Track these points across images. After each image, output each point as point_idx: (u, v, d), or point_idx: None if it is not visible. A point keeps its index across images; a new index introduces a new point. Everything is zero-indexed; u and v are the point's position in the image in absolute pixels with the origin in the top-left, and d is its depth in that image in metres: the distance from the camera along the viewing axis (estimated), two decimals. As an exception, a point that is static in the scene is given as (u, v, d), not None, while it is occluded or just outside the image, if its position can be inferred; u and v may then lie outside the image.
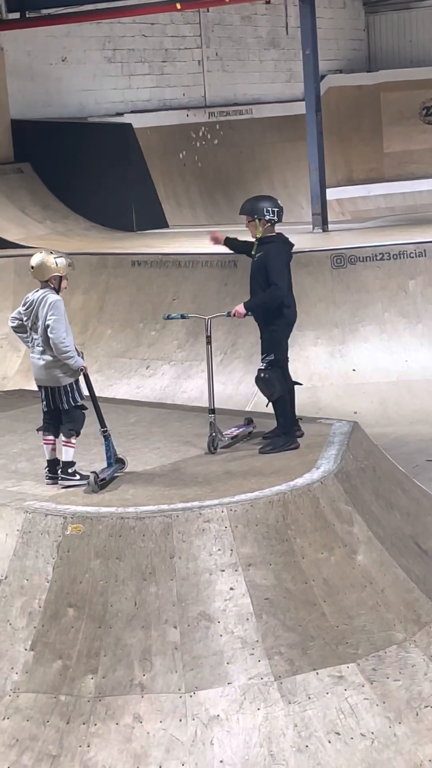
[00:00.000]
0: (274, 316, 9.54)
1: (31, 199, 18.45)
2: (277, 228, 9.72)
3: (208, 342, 9.77)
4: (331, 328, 14.21)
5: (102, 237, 17.80)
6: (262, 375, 9.60)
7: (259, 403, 12.64)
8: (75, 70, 19.98)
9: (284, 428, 9.67)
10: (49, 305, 8.84)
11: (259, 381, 9.65)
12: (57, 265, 8.94)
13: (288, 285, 9.62)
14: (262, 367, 9.59)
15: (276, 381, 9.60)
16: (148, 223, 18.84)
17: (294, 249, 9.86)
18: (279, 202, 9.77)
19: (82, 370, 8.93)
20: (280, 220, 9.64)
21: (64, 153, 18.75)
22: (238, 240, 9.99)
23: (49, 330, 8.79)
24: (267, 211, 9.58)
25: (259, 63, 23.16)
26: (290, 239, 9.81)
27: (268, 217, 9.58)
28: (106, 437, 9.04)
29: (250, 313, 9.52)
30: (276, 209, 9.61)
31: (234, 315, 9.59)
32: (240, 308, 9.55)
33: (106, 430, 9.04)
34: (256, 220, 9.58)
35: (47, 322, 8.80)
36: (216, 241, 10.03)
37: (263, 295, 9.52)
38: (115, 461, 9.09)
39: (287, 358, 9.82)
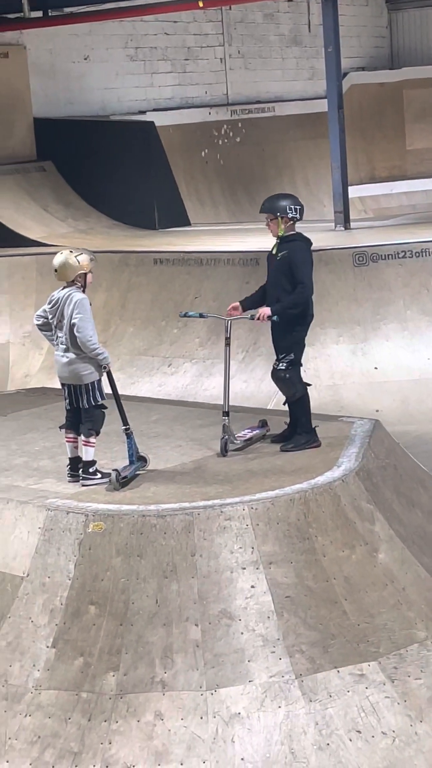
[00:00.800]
0: (297, 316, 9.52)
1: (54, 197, 18.48)
2: (299, 226, 9.71)
3: (227, 344, 9.74)
4: (352, 326, 14.19)
5: (124, 235, 17.82)
6: (283, 375, 9.58)
7: (280, 401, 12.64)
8: (97, 69, 20.00)
9: (305, 427, 9.66)
10: (74, 304, 8.86)
11: (280, 380, 9.63)
12: (79, 262, 8.96)
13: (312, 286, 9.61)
14: (282, 367, 9.57)
15: (297, 380, 9.60)
16: (170, 221, 18.85)
17: (316, 247, 9.85)
18: (300, 200, 9.76)
19: (105, 367, 8.96)
20: (301, 219, 9.62)
21: (86, 151, 18.78)
22: (249, 296, 9.92)
23: (75, 329, 8.81)
24: (289, 209, 9.55)
25: (281, 61, 23.14)
26: (311, 237, 9.80)
27: (290, 215, 9.55)
28: (129, 435, 9.06)
29: (276, 318, 9.45)
30: (297, 207, 9.59)
31: (258, 319, 9.52)
32: (266, 311, 9.45)
33: (129, 428, 9.06)
34: (278, 219, 9.56)
35: (73, 321, 8.83)
36: (235, 310, 9.88)
37: (292, 298, 9.44)
38: (137, 459, 9.11)
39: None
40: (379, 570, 8.34)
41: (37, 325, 9.18)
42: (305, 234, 9.77)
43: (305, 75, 23.43)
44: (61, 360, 8.99)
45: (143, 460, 9.16)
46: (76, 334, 8.80)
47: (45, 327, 9.12)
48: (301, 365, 9.64)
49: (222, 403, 9.65)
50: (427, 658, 7.99)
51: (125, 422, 9.06)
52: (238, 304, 9.79)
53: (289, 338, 9.55)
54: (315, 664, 7.75)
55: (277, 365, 9.61)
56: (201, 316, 10.51)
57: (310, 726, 7.54)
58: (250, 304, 9.83)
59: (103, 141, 18.95)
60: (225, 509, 8.16)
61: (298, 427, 9.67)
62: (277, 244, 9.61)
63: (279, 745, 7.48)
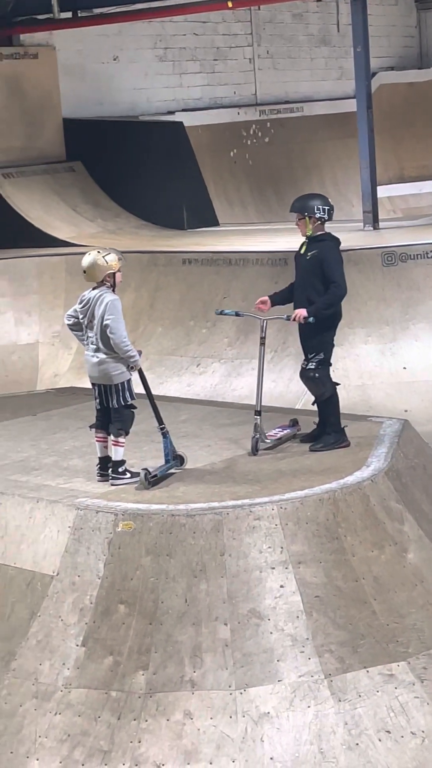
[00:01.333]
0: (328, 316, 9.52)
1: (83, 197, 18.52)
2: (328, 225, 9.70)
3: (262, 343, 9.76)
4: (381, 326, 14.17)
5: (152, 235, 17.85)
6: (312, 374, 9.58)
7: (309, 401, 12.63)
8: (126, 69, 20.03)
9: (334, 426, 9.66)
10: (105, 305, 8.87)
11: (309, 380, 9.64)
12: (108, 262, 8.97)
13: None
14: (311, 367, 9.57)
15: (327, 380, 9.60)
16: (198, 221, 18.85)
17: (344, 247, 9.85)
18: (330, 200, 9.76)
19: (134, 368, 8.98)
20: (330, 219, 9.62)
21: (115, 151, 18.80)
22: (279, 292, 9.94)
23: (109, 331, 8.82)
24: (317, 209, 9.56)
25: (310, 61, 23.11)
26: (339, 237, 9.79)
27: (318, 215, 9.56)
28: (165, 434, 9.08)
29: (312, 319, 9.44)
30: (326, 207, 9.59)
31: (294, 320, 9.52)
32: (302, 312, 9.44)
33: (164, 427, 9.08)
34: (306, 218, 9.57)
35: (106, 323, 8.84)
36: (264, 304, 9.89)
37: (326, 298, 9.43)
38: (173, 458, 9.13)
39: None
40: (408, 570, 8.34)
41: (68, 324, 9.21)
42: (335, 233, 9.78)
43: (334, 75, 23.40)
44: (92, 360, 9.01)
45: (180, 459, 9.18)
46: (110, 335, 8.82)
47: (76, 327, 9.15)
48: (330, 365, 9.64)
49: (254, 402, 9.66)
50: (456, 659, 7.98)
51: (160, 421, 9.09)
52: (267, 298, 9.81)
53: (318, 338, 9.55)
54: (344, 663, 7.75)
55: (306, 365, 9.61)
56: (237, 314, 10.52)
57: (339, 726, 7.54)
58: (279, 299, 9.85)
59: (132, 141, 18.97)
60: (254, 509, 8.17)
61: (327, 426, 9.67)
62: (305, 244, 9.62)
63: (308, 745, 7.48)
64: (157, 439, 9.24)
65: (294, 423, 9.98)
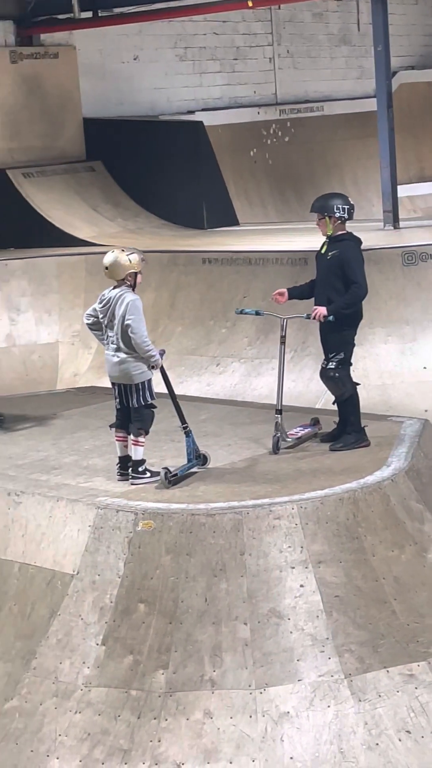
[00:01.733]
0: (348, 315, 9.51)
1: (103, 197, 18.52)
2: (349, 223, 9.69)
3: (282, 342, 9.77)
4: (401, 326, 14.13)
5: (172, 235, 17.84)
6: (332, 374, 9.57)
7: (329, 400, 12.61)
8: (147, 69, 20.02)
9: (354, 426, 9.65)
10: (126, 305, 8.87)
11: (330, 380, 9.63)
12: (131, 261, 8.97)
13: None
14: (332, 366, 9.56)
15: (347, 379, 9.59)
16: (218, 221, 18.83)
17: (365, 246, 9.83)
18: (350, 199, 9.74)
19: (155, 367, 8.97)
20: (351, 218, 9.61)
21: (135, 151, 18.80)
22: (298, 286, 9.95)
23: (130, 330, 8.82)
24: (336, 208, 9.54)
25: (330, 60, 23.06)
26: (360, 236, 9.78)
27: (338, 215, 9.54)
28: (187, 434, 9.08)
29: (332, 318, 9.43)
30: (347, 206, 9.58)
31: (314, 318, 9.51)
32: (322, 310, 9.44)
33: (187, 426, 9.08)
34: (326, 218, 9.56)
35: (127, 322, 8.83)
36: (281, 296, 9.90)
37: (347, 297, 9.44)
38: (196, 457, 9.13)
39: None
40: (428, 570, 8.32)
41: (87, 324, 9.21)
42: (356, 233, 9.76)
43: (354, 74, 23.35)
44: (112, 359, 9.01)
45: (203, 458, 9.18)
46: (131, 335, 8.82)
47: (95, 326, 9.15)
48: (350, 364, 9.63)
49: (275, 401, 9.67)
50: None
51: (183, 420, 9.08)
52: (284, 290, 9.82)
53: (339, 338, 9.54)
54: (364, 663, 7.74)
55: (326, 364, 9.60)
56: (257, 313, 10.52)
57: (360, 726, 7.53)
58: (297, 293, 9.86)
59: (152, 141, 18.97)
60: (274, 508, 8.17)
61: (348, 426, 9.66)
62: (326, 244, 9.61)
63: (328, 745, 7.48)
64: (177, 438, 9.25)
65: (315, 422, 9.97)
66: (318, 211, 9.61)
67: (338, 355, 9.55)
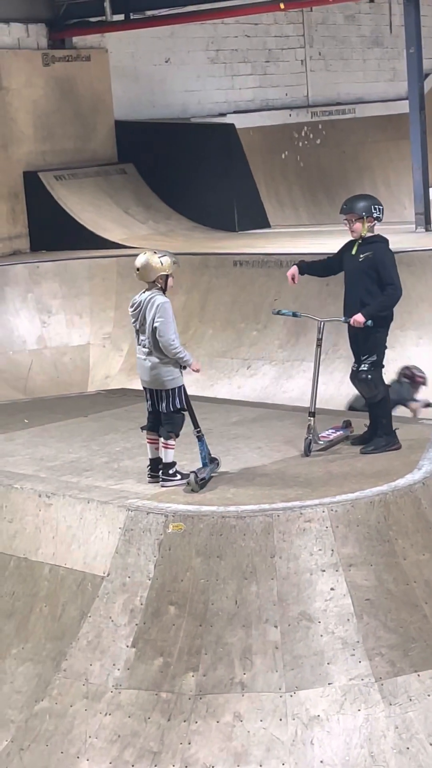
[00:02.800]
0: (380, 318, 9.47)
1: (134, 199, 18.57)
2: (380, 225, 9.66)
3: (319, 345, 9.73)
4: (433, 328, 14.11)
5: (204, 237, 17.86)
6: (364, 376, 9.54)
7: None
8: (178, 71, 20.07)
9: (386, 429, 9.62)
10: (156, 307, 8.85)
11: (361, 382, 9.59)
12: (162, 264, 8.94)
13: None
14: (364, 368, 9.53)
15: (379, 382, 9.56)
16: (250, 223, 18.85)
17: (396, 248, 9.81)
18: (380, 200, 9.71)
19: (190, 368, 8.93)
20: (382, 219, 9.59)
21: (167, 153, 18.84)
22: (311, 262, 9.92)
23: (157, 333, 8.81)
24: (374, 209, 9.50)
25: (362, 62, 23.05)
26: (391, 239, 9.74)
27: (375, 215, 9.51)
28: (200, 438, 9.05)
29: (370, 322, 9.40)
30: (381, 207, 9.56)
31: (353, 323, 9.47)
32: (359, 317, 9.41)
33: (200, 431, 9.05)
34: (363, 219, 9.50)
35: (155, 325, 8.82)
36: (293, 277, 9.90)
37: (383, 300, 9.38)
38: (210, 461, 9.11)
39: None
40: (460, 574, 8.29)
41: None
42: (387, 235, 9.74)
43: (386, 76, 23.32)
44: (144, 364, 9.00)
45: (215, 461, 9.16)
46: (158, 337, 8.80)
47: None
48: (383, 366, 9.60)
49: (306, 403, 9.64)
50: None
51: (196, 425, 9.05)
52: (296, 267, 9.82)
53: (371, 340, 9.50)
54: (395, 667, 7.72)
55: (358, 367, 9.57)
56: (294, 315, 10.47)
57: (390, 730, 7.51)
58: (308, 269, 9.86)
59: (183, 143, 19.01)
60: (305, 511, 8.15)
61: (379, 429, 9.63)
62: (358, 245, 9.56)
63: (358, 749, 7.45)
64: (209, 441, 9.22)
65: (347, 425, 9.95)
66: (352, 212, 9.54)
67: (370, 357, 9.50)
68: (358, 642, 7.76)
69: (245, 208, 18.99)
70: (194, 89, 20.32)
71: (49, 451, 10.29)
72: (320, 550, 8.01)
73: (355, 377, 9.62)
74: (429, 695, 7.67)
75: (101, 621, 8.16)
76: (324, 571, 7.95)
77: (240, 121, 19.67)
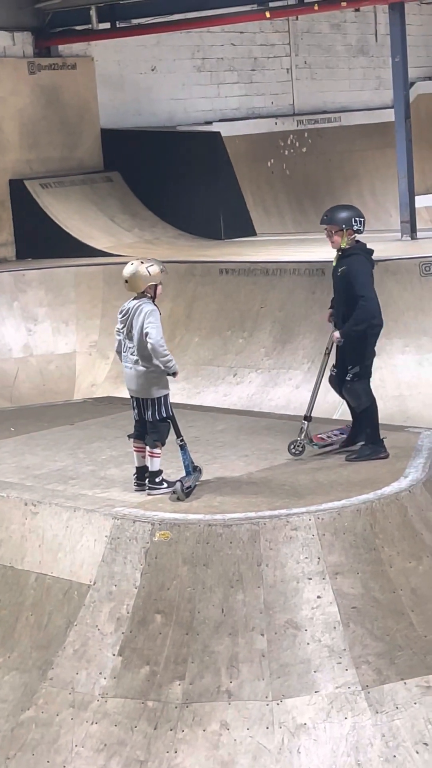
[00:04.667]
0: (363, 330, 9.45)
1: (120, 207, 18.56)
2: (367, 234, 9.64)
3: (327, 353, 9.73)
4: (419, 336, 14.12)
5: (190, 245, 17.87)
6: (348, 386, 9.56)
7: (346, 411, 12.59)
8: (164, 80, 20.08)
9: (371, 438, 9.63)
10: (145, 314, 8.82)
11: (346, 391, 9.62)
12: (150, 273, 8.89)
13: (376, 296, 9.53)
14: (348, 378, 9.55)
15: (362, 392, 9.56)
16: (235, 232, 18.85)
17: (382, 256, 9.80)
18: (361, 212, 9.66)
19: (173, 374, 8.93)
20: (363, 231, 9.54)
21: (153, 162, 18.84)
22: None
23: (148, 337, 8.78)
24: (354, 221, 9.42)
25: (348, 71, 23.09)
26: (377, 247, 9.73)
27: (355, 227, 9.45)
28: (183, 447, 9.04)
29: (343, 341, 9.43)
30: (361, 219, 9.48)
31: (333, 339, 9.52)
32: (336, 335, 9.43)
33: (183, 440, 9.04)
34: (343, 231, 9.45)
35: (145, 330, 8.79)
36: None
37: (355, 315, 9.33)
38: (193, 469, 9.10)
39: (371, 370, 9.72)
40: (446, 581, 8.29)
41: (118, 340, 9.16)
42: (373, 243, 9.73)
43: (372, 85, 23.37)
44: (130, 372, 8.98)
45: (197, 470, 9.16)
46: (148, 341, 8.77)
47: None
48: (370, 376, 9.60)
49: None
50: None
51: (178, 434, 9.03)
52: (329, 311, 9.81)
53: (356, 351, 9.50)
54: (382, 675, 7.72)
55: (337, 372, 9.61)
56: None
57: (377, 738, 7.51)
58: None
59: (169, 151, 19.01)
60: (291, 519, 8.15)
61: (365, 438, 9.64)
62: (338, 258, 9.52)
63: (345, 757, 7.45)
64: (194, 449, 9.22)
65: (349, 427, 9.92)
66: (332, 224, 9.47)
67: (354, 368, 9.50)
68: (344, 650, 7.76)
69: (231, 217, 18.99)
70: (180, 97, 20.33)
71: (35, 459, 10.28)
72: (307, 558, 8.01)
73: (332, 381, 9.68)
74: (415, 703, 7.67)
75: (87, 629, 8.15)
76: (310, 579, 7.96)
77: (226, 130, 19.68)
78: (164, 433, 9.01)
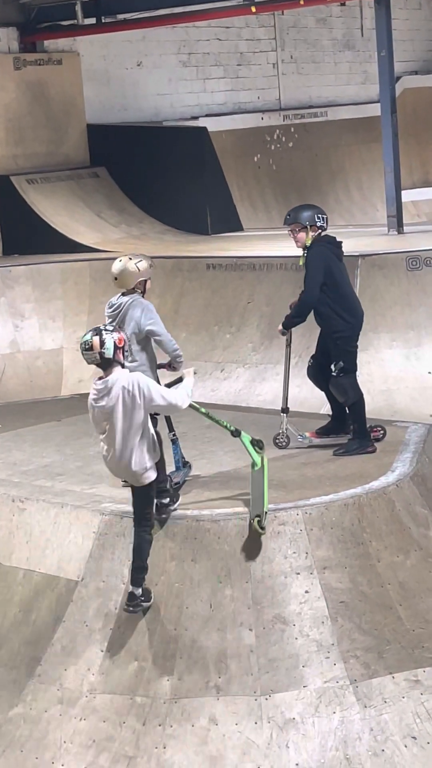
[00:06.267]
0: (333, 323, 9.52)
1: (107, 203, 18.52)
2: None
3: (288, 345, 9.89)
4: (406, 331, 14.12)
5: (177, 240, 17.84)
6: (334, 381, 9.61)
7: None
8: (150, 75, 20.04)
9: (358, 433, 9.65)
10: (142, 310, 8.76)
11: (332, 386, 9.67)
12: (139, 269, 8.85)
13: (344, 289, 9.60)
14: (334, 374, 9.60)
15: (349, 386, 9.59)
16: (222, 227, 18.82)
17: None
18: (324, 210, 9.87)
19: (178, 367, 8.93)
20: (326, 228, 9.69)
21: (139, 157, 18.81)
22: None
23: (153, 335, 8.72)
24: (317, 218, 9.65)
25: (334, 65, 23.06)
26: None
27: (319, 224, 9.62)
28: (174, 442, 9.03)
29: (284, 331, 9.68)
30: (324, 216, 9.69)
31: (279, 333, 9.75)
32: (280, 327, 9.68)
33: (175, 434, 9.04)
34: (307, 228, 9.59)
35: (148, 327, 8.73)
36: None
37: (294, 308, 9.59)
38: (183, 465, 9.09)
39: (356, 364, 9.76)
40: (434, 575, 8.30)
41: None
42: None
43: (358, 79, 23.34)
44: None
45: (187, 465, 9.15)
46: (155, 339, 8.72)
47: None
48: (355, 370, 9.62)
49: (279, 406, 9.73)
50: None
51: (171, 428, 9.03)
52: None
53: (335, 346, 9.56)
54: (370, 669, 7.73)
55: (312, 363, 9.72)
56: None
57: (365, 732, 7.51)
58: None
59: (155, 147, 18.97)
60: (279, 514, 8.15)
61: (352, 433, 9.66)
62: (303, 255, 9.66)
63: (334, 751, 7.46)
64: (183, 445, 9.21)
65: (373, 429, 9.93)
66: (299, 222, 9.61)
67: (338, 363, 9.57)
68: (332, 644, 7.76)
69: (218, 212, 18.97)
70: (166, 93, 20.30)
71: (22, 455, 10.26)
72: (294, 553, 8.01)
73: (309, 373, 9.77)
74: (404, 697, 7.68)
75: (75, 626, 8.14)
76: (298, 573, 7.96)
77: (212, 125, 19.65)
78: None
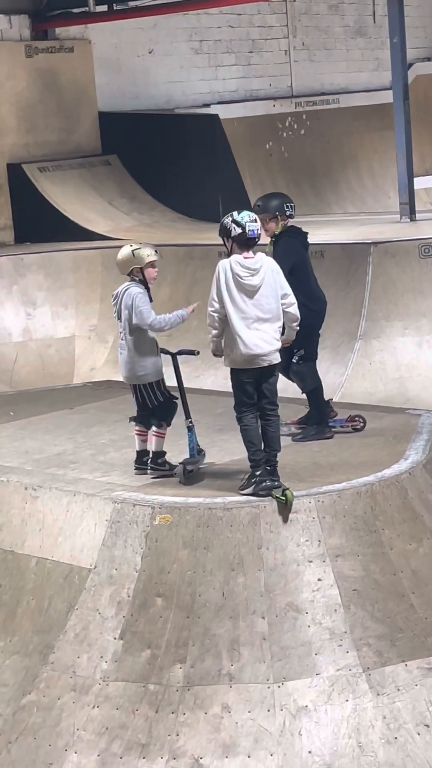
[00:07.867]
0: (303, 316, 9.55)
1: (119, 191, 18.52)
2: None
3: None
4: (418, 318, 14.09)
5: (188, 228, 17.83)
6: (295, 368, 9.72)
7: (346, 394, 12.59)
8: (162, 62, 20.01)
9: (316, 419, 9.76)
10: (133, 297, 8.85)
11: (292, 374, 9.77)
12: (134, 256, 8.94)
13: (307, 278, 9.62)
14: (294, 360, 9.69)
15: (308, 373, 9.73)
16: (234, 214, 18.82)
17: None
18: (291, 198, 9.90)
19: (186, 314, 8.97)
20: (293, 216, 9.74)
21: (151, 145, 18.79)
22: None
23: (139, 320, 8.79)
24: (287, 207, 9.73)
25: (346, 52, 23.01)
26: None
27: (288, 212, 9.69)
28: (190, 428, 9.04)
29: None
30: (292, 204, 9.74)
31: None
32: None
33: (191, 421, 9.05)
34: (277, 217, 9.64)
35: (134, 322, 8.82)
36: None
37: None
38: (197, 452, 9.10)
39: (317, 352, 9.89)
40: (446, 563, 8.30)
41: None
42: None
43: (370, 66, 23.29)
44: (122, 358, 9.02)
45: (202, 453, 9.16)
46: (139, 323, 8.79)
47: None
48: (315, 357, 9.76)
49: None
50: None
51: (188, 415, 9.05)
52: None
53: (300, 334, 9.54)
54: (382, 657, 7.73)
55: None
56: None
57: (378, 720, 7.52)
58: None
59: (167, 134, 18.96)
60: (292, 502, 8.14)
61: (310, 419, 9.79)
62: (271, 244, 9.70)
63: (346, 739, 7.46)
64: (197, 432, 9.20)
65: (351, 419, 9.92)
66: (269, 212, 9.68)
67: (299, 351, 9.64)
68: (345, 632, 7.76)
69: (230, 199, 18.92)
70: (178, 80, 20.27)
71: (35, 443, 10.28)
72: (307, 540, 8.01)
73: (290, 369, 9.84)
74: (416, 685, 7.68)
75: (88, 613, 8.15)
76: (311, 561, 7.96)
77: (224, 112, 19.63)
78: (170, 413, 9.01)
